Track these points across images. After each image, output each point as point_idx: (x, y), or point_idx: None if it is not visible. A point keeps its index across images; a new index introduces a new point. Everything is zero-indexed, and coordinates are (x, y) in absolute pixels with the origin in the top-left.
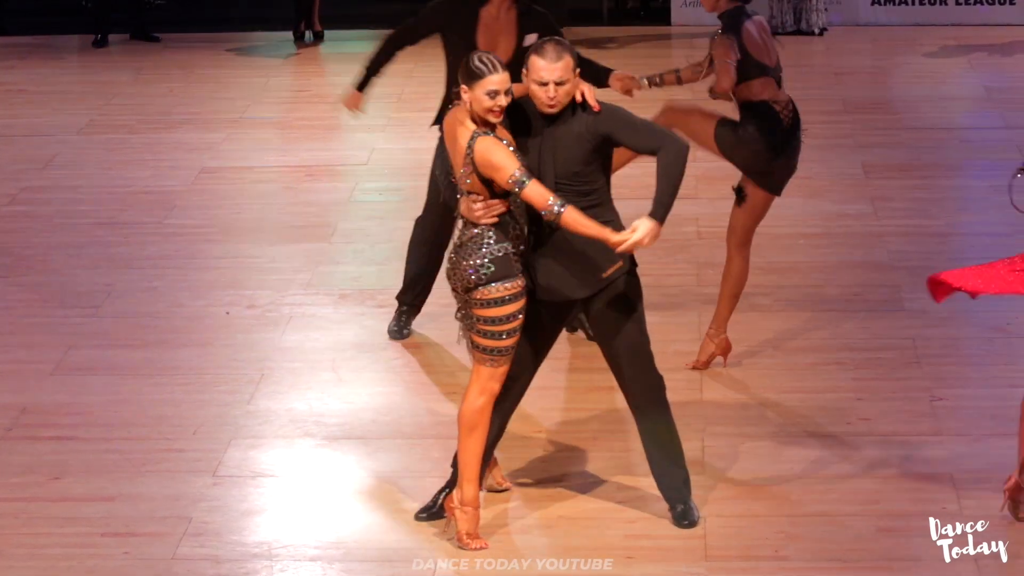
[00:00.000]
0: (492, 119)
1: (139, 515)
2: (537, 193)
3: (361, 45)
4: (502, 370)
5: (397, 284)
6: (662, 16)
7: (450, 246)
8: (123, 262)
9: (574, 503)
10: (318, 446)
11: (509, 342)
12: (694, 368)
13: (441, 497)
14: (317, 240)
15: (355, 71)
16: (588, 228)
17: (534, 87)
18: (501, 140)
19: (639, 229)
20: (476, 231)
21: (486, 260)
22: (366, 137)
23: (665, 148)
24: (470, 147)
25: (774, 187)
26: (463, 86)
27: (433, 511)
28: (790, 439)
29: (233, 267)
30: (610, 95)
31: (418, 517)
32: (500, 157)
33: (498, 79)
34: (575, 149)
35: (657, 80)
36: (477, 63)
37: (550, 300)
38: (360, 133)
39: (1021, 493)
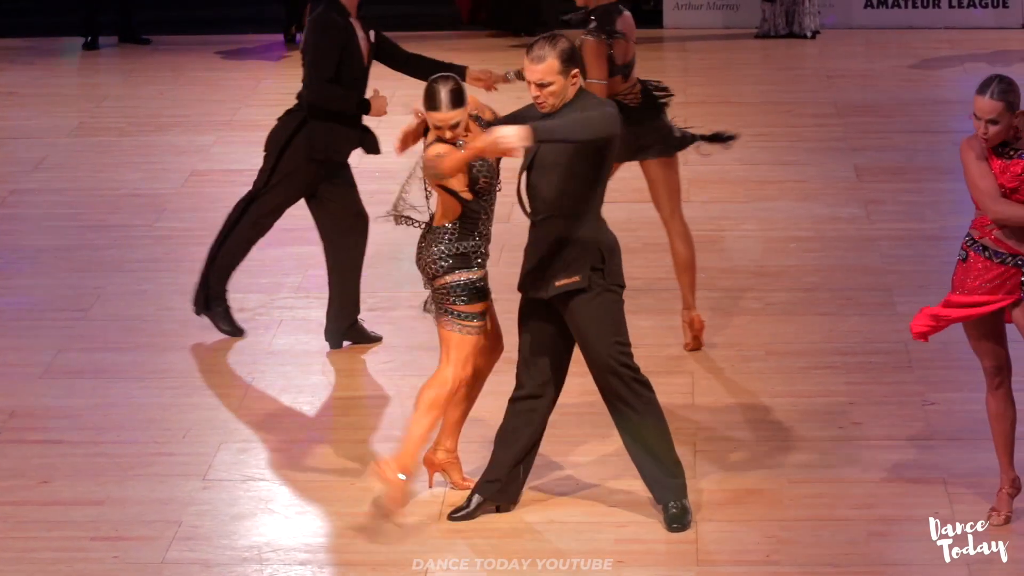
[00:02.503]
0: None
1: (128, 519)
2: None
3: None
4: (468, 353)
5: (387, 287)
6: (655, 19)
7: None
8: (113, 265)
9: (565, 507)
10: (308, 450)
11: (475, 327)
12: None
13: (474, 499)
14: (307, 243)
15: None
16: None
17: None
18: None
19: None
20: (441, 227)
21: (445, 254)
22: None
23: (594, 110)
24: None
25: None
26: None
27: (468, 511)
28: (782, 443)
29: None
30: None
31: (452, 517)
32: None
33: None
34: (562, 159)
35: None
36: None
37: (524, 294)
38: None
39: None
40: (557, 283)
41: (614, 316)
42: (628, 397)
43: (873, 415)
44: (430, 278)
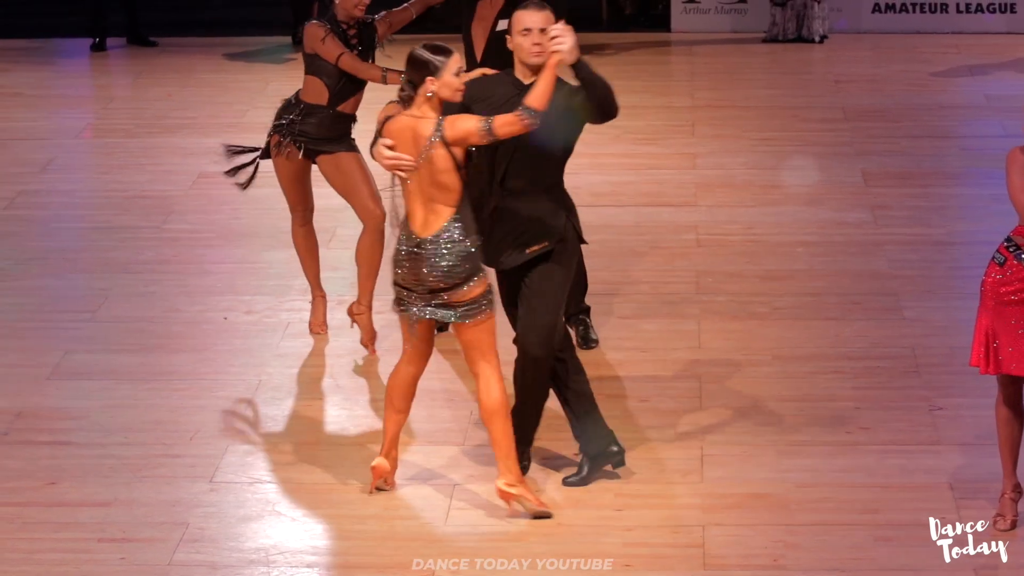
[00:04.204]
0: (459, 97)
1: (135, 521)
2: (506, 120)
3: None
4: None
5: (389, 290)
6: (662, 22)
7: (396, 248)
8: (120, 267)
9: (572, 510)
10: (315, 452)
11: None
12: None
13: (586, 465)
14: None
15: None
16: (548, 85)
17: (519, 39)
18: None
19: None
20: (438, 230)
21: (457, 260)
22: (364, 143)
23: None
24: (439, 129)
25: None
26: (429, 79)
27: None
28: (788, 448)
29: (231, 272)
30: None
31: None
32: (464, 121)
33: (457, 56)
34: (562, 125)
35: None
36: (432, 54)
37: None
38: (358, 139)
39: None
40: (528, 250)
41: (562, 278)
42: (534, 368)
43: (880, 420)
44: (437, 291)
